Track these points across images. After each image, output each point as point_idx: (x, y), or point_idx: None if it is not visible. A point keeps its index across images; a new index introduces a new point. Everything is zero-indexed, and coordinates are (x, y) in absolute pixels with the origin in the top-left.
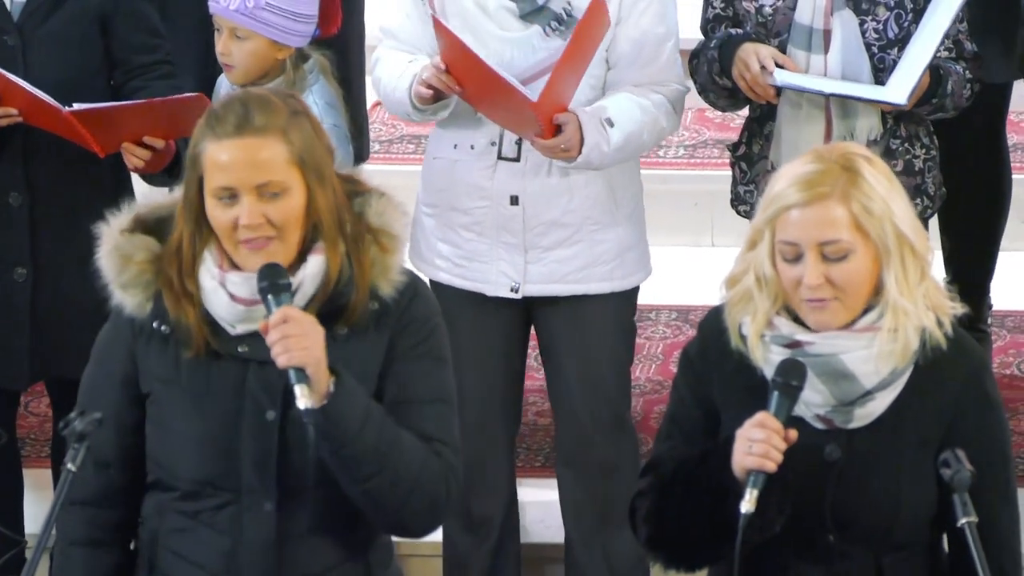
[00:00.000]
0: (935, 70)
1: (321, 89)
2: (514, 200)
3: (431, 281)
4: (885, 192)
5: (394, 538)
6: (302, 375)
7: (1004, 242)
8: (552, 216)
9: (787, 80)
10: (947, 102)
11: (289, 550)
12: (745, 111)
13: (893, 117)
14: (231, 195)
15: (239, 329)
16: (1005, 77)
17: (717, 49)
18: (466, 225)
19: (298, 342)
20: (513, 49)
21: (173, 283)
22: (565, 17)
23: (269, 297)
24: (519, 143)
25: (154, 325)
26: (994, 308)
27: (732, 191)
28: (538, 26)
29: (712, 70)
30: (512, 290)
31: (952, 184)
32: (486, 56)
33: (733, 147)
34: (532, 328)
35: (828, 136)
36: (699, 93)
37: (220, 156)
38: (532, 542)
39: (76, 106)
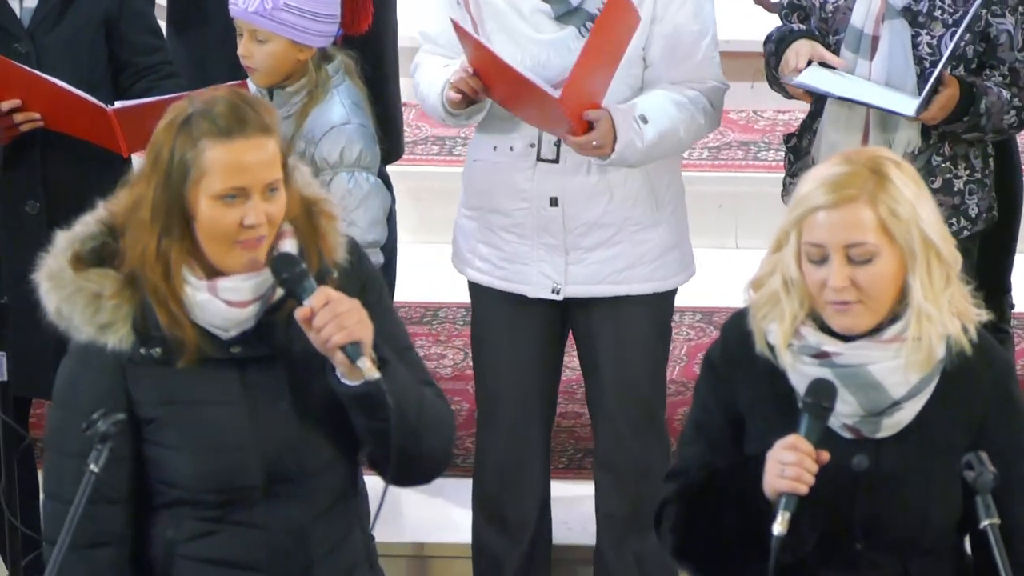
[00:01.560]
0: (968, 87)
1: (347, 89)
2: (554, 201)
3: (469, 283)
4: (913, 196)
5: (414, 539)
6: (358, 349)
7: (1023, 244)
8: (592, 217)
9: (802, 81)
10: (982, 122)
11: (316, 528)
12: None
13: (938, 134)
14: (240, 194)
15: (232, 333)
16: None
17: (775, 44)
18: (506, 227)
19: (350, 317)
20: (549, 51)
21: (159, 290)
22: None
23: (296, 286)
24: (558, 144)
25: (143, 352)
26: (1015, 309)
27: (784, 179)
28: (573, 27)
29: (770, 64)
30: (553, 291)
31: None
32: (522, 59)
33: (787, 138)
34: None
35: (865, 142)
36: (770, 83)
37: (229, 156)
38: (557, 544)
39: (118, 104)
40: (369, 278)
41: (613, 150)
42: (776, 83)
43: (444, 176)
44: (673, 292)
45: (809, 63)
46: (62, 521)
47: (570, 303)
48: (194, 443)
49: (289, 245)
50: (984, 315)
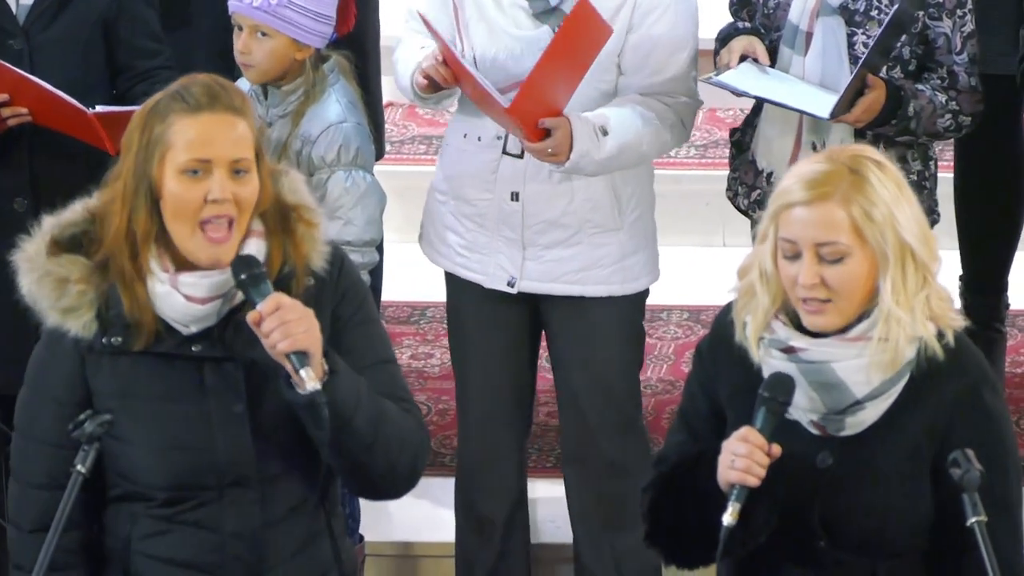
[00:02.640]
0: (895, 90)
1: (343, 89)
2: (515, 196)
3: (445, 272)
4: (891, 198)
5: (402, 538)
6: (304, 358)
7: (1021, 242)
8: (551, 216)
9: (720, 79)
10: (912, 125)
11: (271, 535)
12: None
13: (872, 137)
14: (204, 169)
15: (192, 329)
16: (1012, 69)
17: (719, 42)
18: (470, 215)
19: (297, 326)
20: (523, 46)
21: (126, 272)
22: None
23: (251, 289)
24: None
25: (104, 340)
26: (1011, 307)
27: (729, 176)
28: (548, 27)
29: (715, 62)
30: (508, 284)
31: (969, 182)
32: (496, 51)
33: (732, 132)
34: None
35: (798, 142)
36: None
37: (196, 129)
38: (544, 542)
39: (99, 108)
40: (350, 289)
41: (568, 159)
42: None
43: (431, 176)
44: (641, 295)
45: (743, 59)
46: (24, 503)
47: (540, 302)
48: (146, 438)
49: (255, 245)
50: (962, 320)
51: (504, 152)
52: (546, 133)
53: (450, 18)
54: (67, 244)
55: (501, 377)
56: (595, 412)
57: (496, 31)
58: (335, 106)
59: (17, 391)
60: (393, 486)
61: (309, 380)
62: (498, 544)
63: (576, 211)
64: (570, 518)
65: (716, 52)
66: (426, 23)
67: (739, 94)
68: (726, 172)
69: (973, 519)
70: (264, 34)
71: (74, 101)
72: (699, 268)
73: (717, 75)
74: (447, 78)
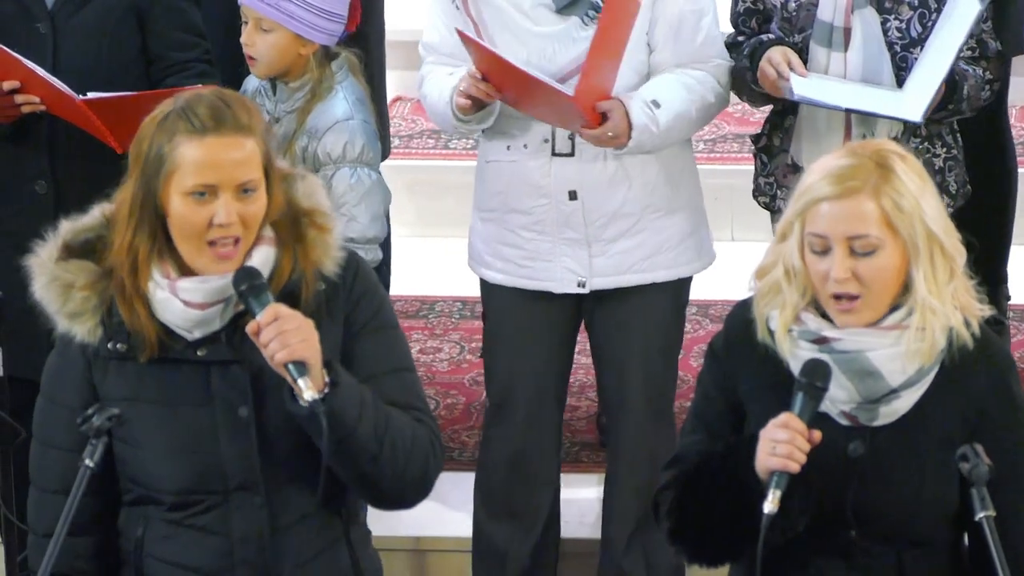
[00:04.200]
0: (950, 78)
1: (351, 86)
2: (573, 195)
3: (482, 281)
4: (917, 190)
5: (412, 532)
6: (303, 368)
7: (1018, 236)
8: (612, 207)
9: (803, 94)
10: (963, 106)
11: (280, 541)
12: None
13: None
14: (209, 192)
15: (196, 334)
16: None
17: (748, 58)
18: (526, 225)
19: (295, 336)
20: (554, 44)
21: (125, 287)
22: (601, 3)
23: (251, 299)
24: (572, 137)
25: (109, 346)
26: (1011, 301)
27: (753, 182)
28: (576, 17)
29: (747, 78)
30: (579, 285)
31: None
32: (527, 55)
33: (755, 138)
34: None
35: (848, 133)
36: (736, 92)
37: (201, 153)
38: (571, 536)
39: (91, 95)
40: (365, 295)
41: (629, 138)
42: (747, 93)
43: (440, 170)
44: (690, 279)
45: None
46: (42, 508)
47: (590, 295)
48: (153, 442)
49: (263, 252)
50: (987, 309)
51: (554, 154)
52: (603, 117)
53: (471, 33)
54: (80, 249)
55: (547, 379)
56: (647, 404)
57: (522, 35)
58: (343, 103)
59: (34, 375)
60: (402, 496)
61: (307, 390)
62: (539, 537)
63: (636, 198)
64: (604, 512)
65: (746, 68)
66: (463, 36)
67: (829, 107)
68: (734, 167)
69: (982, 514)
70: (267, 28)
71: (66, 89)
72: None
73: (792, 94)
74: (488, 92)
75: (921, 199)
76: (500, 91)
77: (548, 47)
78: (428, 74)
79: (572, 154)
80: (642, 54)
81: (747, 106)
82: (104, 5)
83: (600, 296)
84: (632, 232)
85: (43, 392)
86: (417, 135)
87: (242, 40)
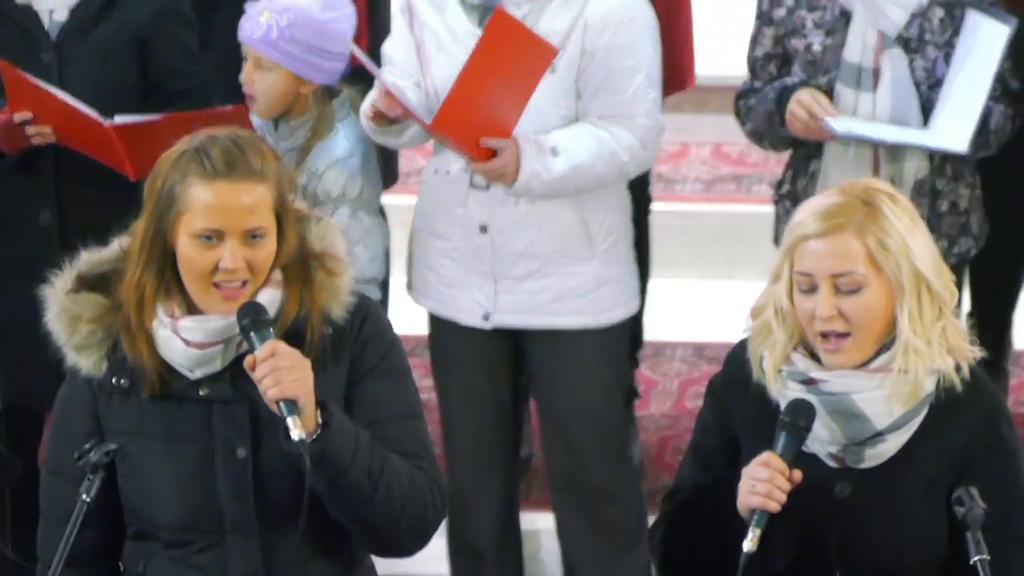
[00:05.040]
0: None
1: (352, 123)
2: (483, 229)
3: (429, 315)
4: (904, 229)
5: (395, 571)
6: (293, 407)
7: None
8: (521, 246)
9: (849, 129)
10: (991, 139)
11: None
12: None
13: (941, 157)
14: (217, 237)
15: (197, 373)
16: None
17: (775, 103)
18: (444, 251)
19: (288, 374)
20: None
21: (131, 322)
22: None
23: (252, 334)
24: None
25: (113, 381)
26: (1015, 347)
27: (775, 229)
28: None
29: (774, 122)
30: (484, 318)
31: None
32: (454, 78)
33: (777, 185)
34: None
35: (876, 176)
36: (749, 135)
37: (211, 197)
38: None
39: (118, 119)
40: (372, 339)
41: (516, 179)
42: (769, 138)
43: None
44: (621, 326)
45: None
46: (49, 539)
47: (520, 334)
48: (152, 477)
49: (269, 294)
50: (978, 352)
51: (471, 185)
52: (492, 153)
53: (413, 57)
54: (94, 281)
55: (484, 413)
56: (581, 442)
57: (455, 60)
58: (343, 142)
59: (33, 406)
60: (400, 543)
61: (295, 429)
62: (492, 574)
63: (545, 240)
64: (561, 546)
65: (774, 112)
66: (358, 55)
67: (875, 142)
68: (732, 207)
69: (976, 557)
70: (266, 67)
71: (94, 114)
72: (704, 303)
73: (833, 131)
74: (391, 107)
75: (909, 238)
76: (403, 114)
77: None
78: (379, 77)
79: (487, 188)
80: (569, 99)
81: (744, 147)
82: (107, 34)
83: (530, 337)
84: (540, 274)
85: (53, 422)
86: (415, 173)
87: (241, 78)
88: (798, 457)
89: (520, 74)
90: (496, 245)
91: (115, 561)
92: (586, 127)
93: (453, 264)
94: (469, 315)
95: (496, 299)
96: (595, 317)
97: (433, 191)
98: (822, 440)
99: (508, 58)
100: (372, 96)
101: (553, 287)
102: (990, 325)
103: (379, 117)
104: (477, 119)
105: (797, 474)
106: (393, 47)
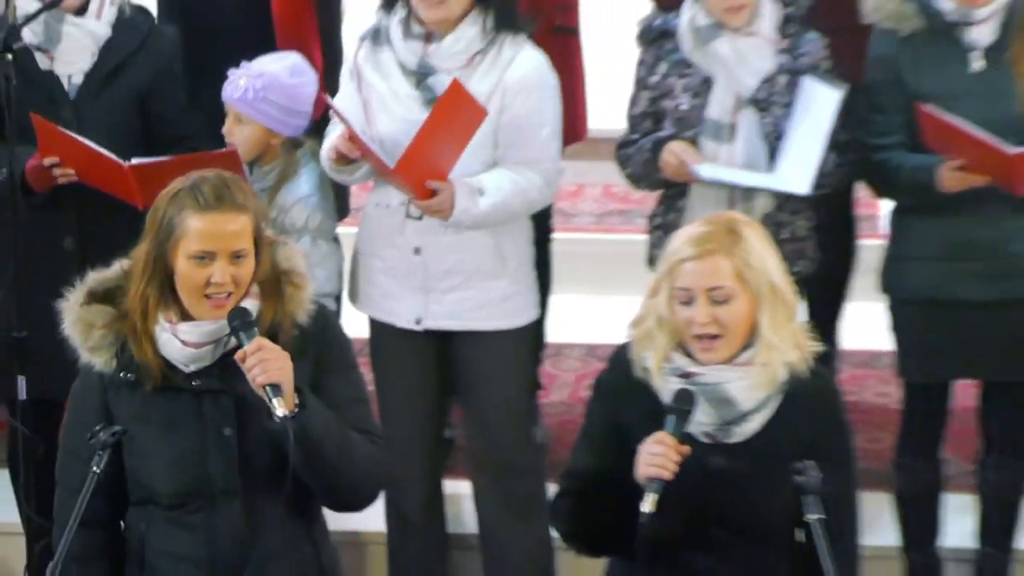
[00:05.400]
0: None
1: (312, 169)
2: (417, 251)
3: (369, 319)
4: (762, 250)
5: (354, 528)
6: (277, 390)
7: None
8: (447, 266)
9: (711, 174)
10: (824, 182)
11: (256, 537)
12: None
13: (784, 196)
14: (208, 257)
15: (191, 368)
16: None
17: (651, 152)
18: (383, 270)
19: (273, 364)
20: (416, 128)
21: (136, 328)
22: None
23: (241, 333)
24: None
25: (121, 375)
26: (840, 348)
27: (649, 253)
28: None
29: (650, 168)
30: (416, 322)
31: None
32: (395, 131)
33: (651, 217)
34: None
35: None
36: (628, 178)
37: (203, 225)
38: (462, 532)
39: (134, 160)
40: (332, 341)
41: (451, 214)
42: (647, 180)
43: None
44: (525, 329)
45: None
46: (64, 505)
47: (446, 338)
48: (153, 455)
49: (250, 303)
50: (818, 346)
51: (407, 216)
52: (433, 193)
53: (360, 112)
54: (102, 295)
55: (414, 401)
56: (496, 425)
57: (395, 117)
58: (306, 184)
59: (55, 397)
60: (357, 502)
61: (279, 408)
62: (420, 535)
63: (467, 261)
64: (478, 514)
65: (650, 160)
66: (335, 110)
67: (733, 185)
68: (618, 236)
69: (813, 517)
70: (244, 121)
71: (113, 156)
72: (594, 313)
73: (700, 176)
74: (352, 150)
75: (766, 259)
76: (363, 155)
77: (412, 129)
78: (331, 134)
79: (421, 219)
80: (489, 149)
81: (626, 188)
82: (115, 93)
83: (455, 340)
84: (463, 288)
85: (68, 410)
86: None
87: (223, 130)
88: (683, 435)
89: (459, 130)
90: (427, 264)
91: (118, 523)
92: (505, 172)
93: (391, 280)
94: (404, 320)
95: (427, 307)
96: (507, 322)
97: (374, 221)
98: (699, 421)
99: (453, 118)
100: (333, 141)
101: (473, 298)
102: (820, 329)
103: (340, 158)
104: (424, 165)
105: (685, 448)
106: (343, 103)
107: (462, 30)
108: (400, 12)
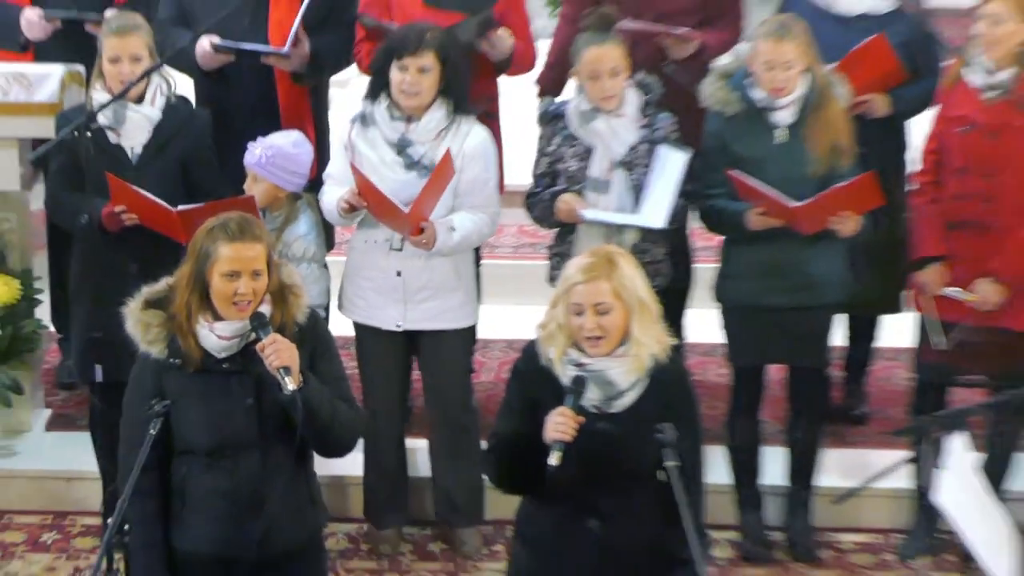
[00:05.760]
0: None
1: (309, 214)
2: (398, 273)
3: (354, 324)
4: (632, 274)
5: (340, 473)
6: (288, 371)
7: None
8: (421, 283)
9: (594, 217)
10: (674, 219)
11: (268, 478)
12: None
13: (645, 231)
14: (235, 275)
15: (223, 355)
16: None
17: (550, 201)
18: (370, 288)
19: (284, 352)
20: (399, 186)
21: (183, 327)
22: (429, 167)
23: (259, 330)
24: (402, 241)
25: (171, 362)
26: (687, 341)
27: (550, 273)
28: (415, 173)
29: (548, 213)
30: (397, 326)
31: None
32: (383, 187)
33: (550, 248)
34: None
35: (607, 243)
36: (534, 220)
37: (231, 252)
38: (419, 475)
39: (180, 207)
40: (321, 337)
41: (434, 246)
42: (547, 221)
43: None
44: (470, 328)
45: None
46: (127, 457)
47: (414, 336)
48: (194, 419)
49: (265, 307)
50: (673, 341)
51: (391, 248)
52: (421, 231)
53: (348, 169)
54: (154, 303)
55: (390, 383)
56: (446, 398)
57: (383, 177)
58: (304, 225)
59: (120, 379)
60: (341, 450)
61: (290, 384)
62: (389, 477)
63: (435, 280)
64: (432, 462)
65: (549, 208)
66: (354, 169)
67: (608, 224)
68: (528, 262)
69: (671, 463)
70: (259, 179)
71: (165, 204)
72: (511, 317)
73: (585, 218)
74: (361, 203)
75: (635, 280)
76: (368, 205)
77: (396, 187)
78: (327, 190)
79: (401, 250)
80: (450, 199)
81: (534, 226)
82: (165, 161)
83: (420, 339)
84: (432, 299)
85: (129, 388)
86: (346, 241)
87: (244, 186)
88: (578, 408)
89: (439, 187)
90: (406, 282)
91: (166, 470)
92: (466, 214)
93: (378, 295)
94: (387, 324)
95: (405, 314)
96: (460, 323)
97: (362, 252)
98: (589, 398)
99: (440, 178)
100: (344, 196)
101: (439, 306)
102: (673, 327)
103: (350, 209)
104: (417, 212)
105: (580, 418)
106: (336, 169)
107: (432, 113)
108: (384, 101)
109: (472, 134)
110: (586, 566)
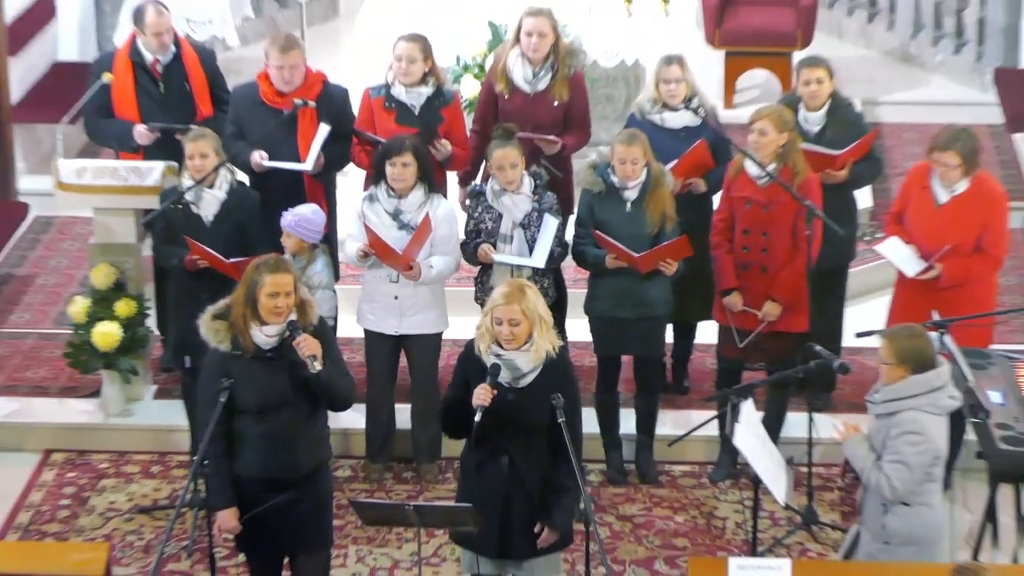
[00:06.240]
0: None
1: (324, 258)
2: (396, 297)
3: (364, 329)
4: (535, 298)
5: (345, 427)
6: (315, 359)
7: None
8: (413, 303)
9: (502, 259)
10: (553, 261)
11: (297, 427)
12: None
13: (537, 269)
14: (275, 295)
15: (268, 345)
16: None
17: (473, 248)
18: (377, 307)
19: (312, 345)
20: (396, 240)
21: (241, 330)
22: (415, 227)
23: (295, 331)
24: (398, 275)
25: (234, 353)
26: (570, 340)
27: (475, 295)
28: (405, 231)
29: (472, 257)
30: (394, 331)
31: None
32: (385, 240)
33: (475, 279)
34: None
35: (513, 276)
36: (466, 260)
37: (273, 280)
38: (402, 428)
39: (232, 259)
40: (326, 334)
41: (419, 279)
42: (472, 262)
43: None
44: (440, 334)
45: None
46: (203, 419)
47: (403, 338)
48: (248, 391)
49: (293, 316)
50: (560, 341)
51: (390, 281)
52: (411, 267)
53: (362, 230)
54: (218, 315)
55: (387, 369)
56: (426, 380)
57: (384, 235)
58: (319, 265)
59: (198, 366)
60: (344, 406)
61: (315, 366)
62: (382, 430)
63: (420, 300)
64: (412, 420)
65: (471, 254)
66: (368, 229)
67: (511, 264)
68: (464, 288)
69: (561, 420)
70: (290, 235)
71: (222, 257)
72: (457, 325)
73: (497, 259)
74: (371, 251)
75: (538, 303)
76: (378, 252)
77: (393, 241)
78: (347, 242)
79: (397, 282)
80: (427, 247)
81: (468, 265)
82: (228, 227)
83: (408, 340)
84: (418, 314)
85: (202, 372)
86: (348, 276)
87: (281, 240)
88: (495, 384)
89: (422, 239)
90: (401, 303)
91: (230, 424)
92: (440, 257)
93: (381, 311)
94: (387, 330)
95: (400, 324)
96: (435, 329)
97: (371, 283)
98: (502, 378)
99: (422, 234)
100: (359, 247)
101: (423, 316)
102: (560, 331)
103: (364, 256)
104: (407, 256)
105: (495, 392)
106: (354, 230)
107: (415, 192)
108: (383, 186)
109: (442, 205)
110: (499, 489)
